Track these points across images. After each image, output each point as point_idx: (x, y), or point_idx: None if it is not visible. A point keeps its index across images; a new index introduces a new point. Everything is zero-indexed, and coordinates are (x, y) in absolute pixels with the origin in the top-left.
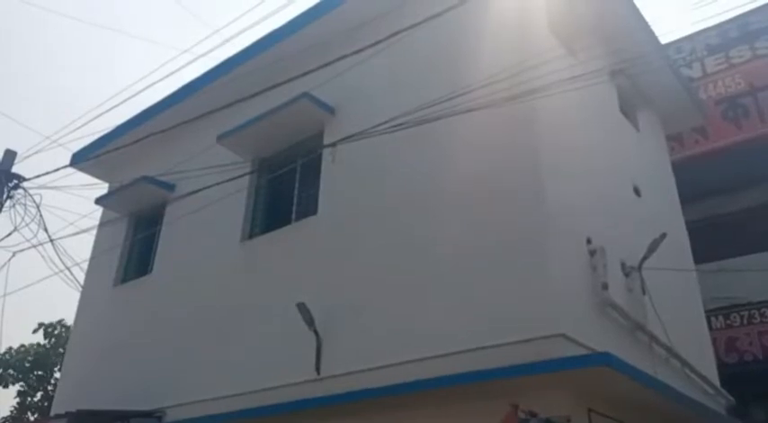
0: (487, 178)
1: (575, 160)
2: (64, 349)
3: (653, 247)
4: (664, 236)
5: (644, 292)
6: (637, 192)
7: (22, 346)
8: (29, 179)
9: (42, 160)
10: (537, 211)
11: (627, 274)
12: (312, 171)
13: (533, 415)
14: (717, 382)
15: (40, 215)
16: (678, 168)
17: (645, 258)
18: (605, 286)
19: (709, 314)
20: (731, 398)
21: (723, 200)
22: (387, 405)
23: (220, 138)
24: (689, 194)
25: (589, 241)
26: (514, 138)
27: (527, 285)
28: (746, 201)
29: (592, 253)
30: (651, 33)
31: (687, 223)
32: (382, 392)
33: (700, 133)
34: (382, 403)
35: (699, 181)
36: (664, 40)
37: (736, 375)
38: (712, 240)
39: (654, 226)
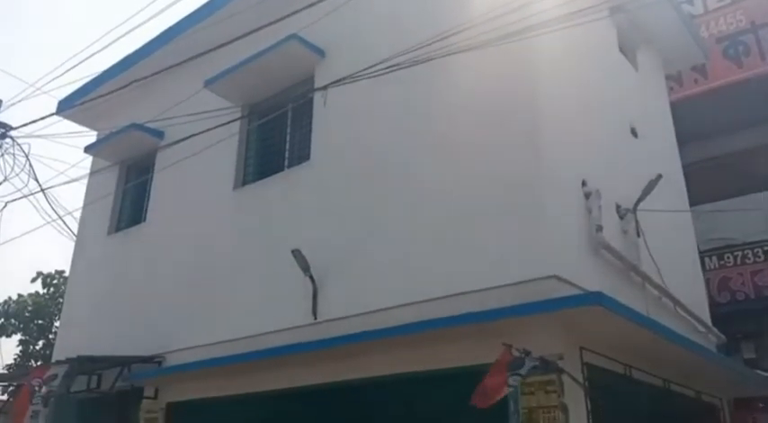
0: (483, 120)
1: (572, 101)
2: (62, 299)
3: (648, 189)
4: (659, 177)
5: (638, 234)
6: (634, 133)
7: (21, 295)
8: (16, 128)
9: (28, 109)
10: (533, 153)
11: (622, 217)
12: (304, 116)
13: (527, 354)
14: (708, 321)
15: (30, 165)
16: (677, 109)
17: (640, 200)
18: (600, 229)
19: (704, 255)
20: (722, 336)
21: (721, 141)
22: (384, 347)
23: (208, 83)
24: (687, 135)
25: (584, 184)
26: (511, 78)
27: (522, 228)
28: (745, 141)
29: (587, 195)
30: None
31: (684, 165)
32: (379, 335)
33: (699, 73)
34: (379, 345)
35: (697, 122)
36: None
37: (727, 314)
38: (709, 182)
39: (650, 167)
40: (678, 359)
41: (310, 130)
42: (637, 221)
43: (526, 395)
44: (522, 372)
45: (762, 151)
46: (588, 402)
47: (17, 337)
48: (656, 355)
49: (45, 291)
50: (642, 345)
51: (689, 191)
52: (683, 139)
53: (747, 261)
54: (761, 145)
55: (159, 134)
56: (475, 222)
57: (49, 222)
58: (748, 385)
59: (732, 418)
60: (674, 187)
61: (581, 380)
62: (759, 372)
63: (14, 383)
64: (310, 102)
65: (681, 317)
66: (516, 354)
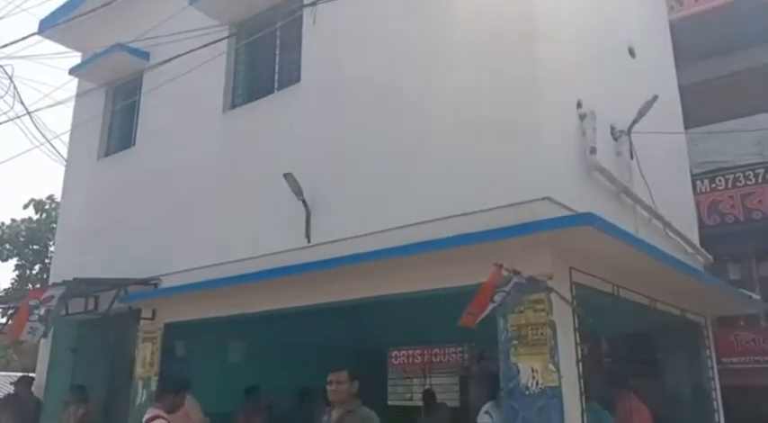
0: (477, 39)
1: (570, 21)
2: (56, 224)
3: (643, 111)
4: (655, 98)
5: (632, 156)
6: (632, 53)
7: (14, 220)
8: None
9: (9, 29)
10: (528, 73)
11: (616, 138)
12: (293, 35)
13: (516, 273)
14: (697, 243)
15: (14, 87)
16: (676, 28)
17: (635, 122)
18: (593, 150)
19: (695, 178)
20: (709, 257)
21: (717, 62)
22: (377, 269)
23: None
24: (683, 56)
25: (579, 105)
26: None
27: (515, 150)
28: (743, 62)
29: (582, 117)
30: None
31: (681, 87)
32: (372, 256)
33: None
34: (372, 267)
35: (695, 42)
36: None
37: (716, 236)
38: (704, 104)
39: (646, 88)
40: (665, 278)
41: (300, 51)
42: (631, 143)
43: (515, 314)
44: (507, 288)
45: (757, 72)
46: (576, 320)
47: (13, 262)
48: (643, 274)
49: (38, 216)
50: (631, 264)
51: (684, 113)
52: (680, 61)
53: (738, 184)
54: (757, 66)
55: (144, 55)
56: (469, 144)
57: (37, 146)
58: (732, 304)
59: (714, 334)
60: (670, 109)
61: (569, 299)
62: (743, 291)
63: (12, 305)
64: (300, 20)
65: (670, 238)
66: (506, 274)
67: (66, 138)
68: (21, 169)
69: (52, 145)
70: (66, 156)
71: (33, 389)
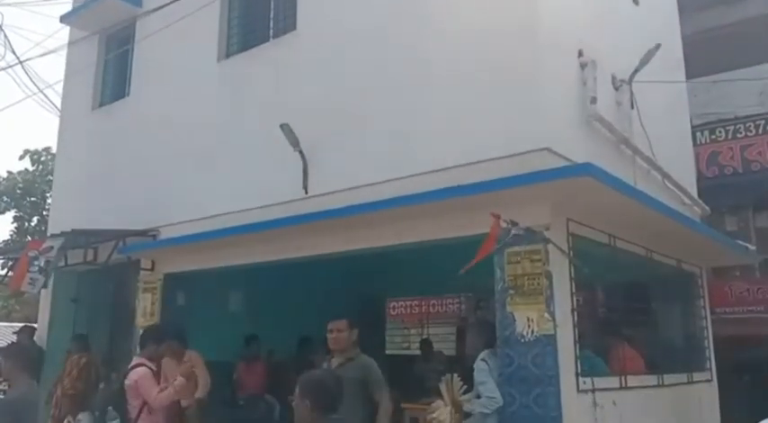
0: None
1: None
2: (52, 176)
3: (645, 60)
4: (658, 47)
5: (632, 106)
6: (635, 0)
7: (10, 172)
8: None
9: None
10: (529, 21)
11: (617, 88)
12: None
13: (514, 224)
14: (695, 194)
15: (5, 35)
16: None
17: (636, 71)
18: (594, 100)
19: (696, 129)
20: (707, 208)
21: (722, 11)
22: (375, 220)
23: None
24: (687, 6)
25: (581, 54)
26: None
27: (515, 101)
28: (746, 11)
29: (583, 66)
30: None
31: (683, 37)
32: (370, 208)
33: None
34: (371, 218)
35: None
36: None
37: (714, 187)
38: (706, 54)
39: (649, 37)
40: (662, 229)
41: None
42: (632, 93)
43: (512, 264)
44: (506, 239)
45: (759, 22)
46: (572, 270)
47: (11, 214)
48: (640, 225)
49: (34, 168)
50: (628, 215)
51: (685, 64)
52: (682, 10)
53: (739, 135)
54: (759, 16)
55: (137, 1)
56: (468, 94)
57: (30, 96)
58: (728, 255)
59: (709, 285)
60: (672, 58)
61: (566, 249)
62: (739, 242)
63: (11, 257)
64: None
65: (668, 189)
66: (504, 225)
67: (59, 87)
68: (15, 120)
69: (45, 95)
70: (60, 106)
71: (35, 339)
